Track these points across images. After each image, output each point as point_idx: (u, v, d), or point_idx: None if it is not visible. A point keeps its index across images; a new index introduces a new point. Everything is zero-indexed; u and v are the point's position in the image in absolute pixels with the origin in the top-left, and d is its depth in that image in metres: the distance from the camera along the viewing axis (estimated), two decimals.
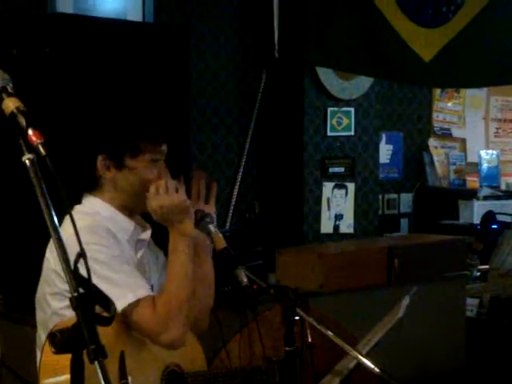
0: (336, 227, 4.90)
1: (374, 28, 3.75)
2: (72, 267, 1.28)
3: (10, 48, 3.30)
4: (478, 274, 4.68)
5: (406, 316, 2.33)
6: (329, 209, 4.88)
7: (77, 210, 2.15)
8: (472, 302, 4.31)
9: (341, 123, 4.90)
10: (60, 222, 1.35)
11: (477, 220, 5.41)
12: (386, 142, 5.57)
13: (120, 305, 1.94)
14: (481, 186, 5.87)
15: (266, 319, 2.55)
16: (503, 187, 6.06)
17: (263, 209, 4.79)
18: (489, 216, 5.26)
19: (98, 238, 2.03)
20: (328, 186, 4.88)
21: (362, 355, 1.98)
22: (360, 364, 2.01)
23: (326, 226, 4.86)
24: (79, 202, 2.19)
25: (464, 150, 6.13)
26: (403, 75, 3.99)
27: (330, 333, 1.99)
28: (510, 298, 4.26)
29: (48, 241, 2.10)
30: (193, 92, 4.23)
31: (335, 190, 4.91)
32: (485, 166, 6.03)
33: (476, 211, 5.48)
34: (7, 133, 1.38)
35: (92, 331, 1.25)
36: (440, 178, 5.89)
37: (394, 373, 1.96)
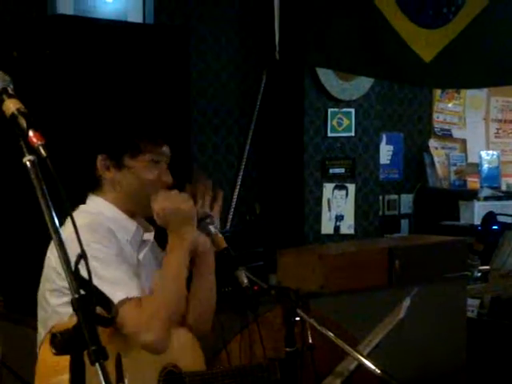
0: (336, 228, 4.90)
1: (374, 29, 3.75)
2: (73, 268, 1.28)
3: (11, 50, 3.30)
4: (479, 274, 4.68)
5: (406, 317, 2.33)
6: (329, 210, 4.88)
7: (80, 210, 2.16)
8: (473, 303, 4.31)
9: (341, 124, 4.90)
10: (61, 223, 1.35)
11: (477, 221, 5.40)
12: (387, 143, 5.57)
13: None
14: (481, 187, 5.87)
15: (267, 320, 2.55)
16: (504, 188, 6.06)
17: (264, 210, 4.79)
18: (489, 217, 5.26)
19: (98, 236, 2.03)
20: (328, 187, 4.88)
21: (362, 356, 1.98)
22: (361, 365, 2.01)
23: (327, 227, 4.86)
24: (83, 202, 2.20)
25: (464, 150, 6.13)
26: (404, 76, 3.99)
27: (330, 334, 1.99)
28: (510, 299, 4.26)
29: (49, 242, 2.10)
30: (193, 93, 4.23)
31: (336, 191, 4.91)
32: (485, 166, 6.03)
33: (476, 212, 5.48)
34: (8, 134, 1.38)
35: (93, 332, 1.25)
36: (440, 178, 5.89)
37: (394, 373, 1.96)
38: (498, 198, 5.69)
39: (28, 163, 1.34)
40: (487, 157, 6.07)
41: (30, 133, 1.35)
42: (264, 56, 4.62)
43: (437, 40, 3.72)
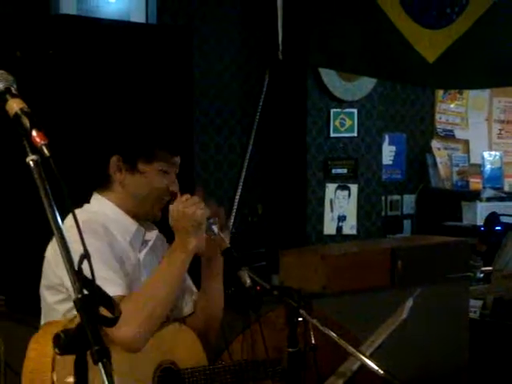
0: (339, 228, 4.90)
1: (377, 29, 3.75)
2: (76, 268, 1.28)
3: (14, 50, 3.31)
4: (482, 275, 4.67)
5: (409, 317, 2.32)
6: (332, 210, 4.87)
7: (83, 209, 2.16)
8: (475, 304, 4.31)
9: (344, 124, 4.90)
10: (63, 221, 1.35)
11: (480, 221, 5.40)
12: (389, 144, 5.57)
13: None
14: (484, 188, 5.86)
15: (269, 320, 2.55)
16: (506, 188, 6.05)
17: (266, 210, 4.79)
18: (492, 217, 5.25)
19: (87, 230, 2.02)
20: (331, 188, 4.88)
21: (365, 357, 1.98)
22: (364, 366, 2.00)
23: (329, 228, 4.86)
24: (88, 201, 2.20)
25: (467, 151, 6.12)
26: (407, 76, 3.98)
27: (333, 334, 1.99)
28: None
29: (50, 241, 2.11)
30: (196, 93, 4.24)
31: (338, 192, 4.90)
32: (488, 167, 6.02)
33: (479, 213, 5.48)
34: (10, 133, 1.38)
35: (96, 332, 1.24)
36: (443, 179, 5.89)
37: (397, 374, 1.95)
38: (501, 199, 5.68)
39: (31, 163, 1.34)
40: (490, 157, 6.07)
41: (34, 132, 1.35)
42: (266, 56, 4.61)
43: (440, 40, 3.71)
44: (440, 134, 5.99)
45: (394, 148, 5.62)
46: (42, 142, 1.35)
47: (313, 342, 2.09)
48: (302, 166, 4.79)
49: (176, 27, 4.20)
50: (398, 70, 3.87)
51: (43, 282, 2.13)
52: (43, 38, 3.28)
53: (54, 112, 3.19)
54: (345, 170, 4.91)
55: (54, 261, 2.06)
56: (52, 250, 2.10)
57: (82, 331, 1.24)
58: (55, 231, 1.31)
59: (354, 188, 4.95)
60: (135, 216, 2.18)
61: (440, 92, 5.94)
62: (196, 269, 2.23)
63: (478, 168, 6.01)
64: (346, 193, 4.92)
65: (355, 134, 4.94)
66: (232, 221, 4.47)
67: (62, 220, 1.33)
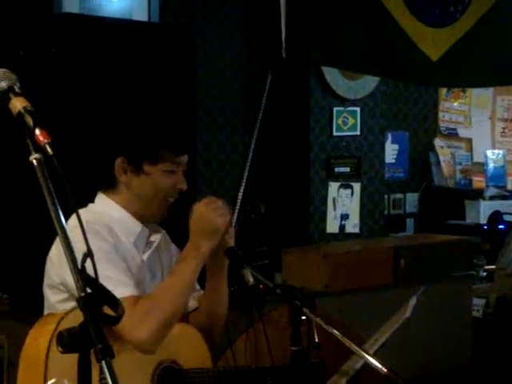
0: (342, 227, 4.90)
1: (381, 27, 3.74)
2: (79, 267, 1.28)
3: (17, 49, 3.31)
4: (485, 274, 4.67)
5: (412, 316, 2.32)
6: (334, 209, 4.87)
7: (87, 209, 2.16)
8: (478, 302, 4.30)
9: (346, 123, 4.90)
10: (67, 221, 1.35)
11: (483, 220, 5.40)
12: (392, 142, 5.57)
13: None
14: (487, 186, 5.86)
15: (272, 319, 2.55)
16: (509, 187, 6.05)
17: (269, 209, 4.79)
18: (496, 216, 5.25)
19: (91, 231, 2.02)
20: (334, 186, 4.87)
21: (369, 355, 1.97)
22: (367, 364, 2.00)
23: (332, 226, 4.86)
24: (92, 200, 2.20)
25: (470, 149, 6.12)
26: (410, 75, 3.98)
27: (337, 333, 1.98)
28: None
29: (54, 241, 2.11)
30: (199, 92, 4.24)
31: (341, 190, 4.90)
32: (491, 165, 6.02)
33: (482, 211, 5.47)
34: (13, 132, 1.39)
35: (99, 331, 1.25)
36: (446, 177, 5.88)
37: (400, 372, 1.95)
38: (504, 197, 5.68)
39: (34, 161, 1.34)
40: (493, 156, 6.06)
41: (37, 131, 1.36)
42: (269, 55, 4.62)
43: (444, 39, 3.71)
44: (443, 133, 5.99)
45: (396, 146, 5.61)
46: (45, 141, 1.35)
47: (316, 340, 2.09)
48: (304, 165, 4.79)
49: (178, 26, 4.20)
50: (402, 68, 3.86)
51: (46, 281, 2.13)
52: (46, 36, 3.28)
53: (56, 111, 3.20)
54: (347, 169, 4.91)
55: (58, 261, 2.06)
56: (56, 250, 2.10)
57: (85, 329, 1.24)
58: (58, 230, 1.31)
59: (356, 186, 4.95)
60: (141, 217, 2.18)
61: (443, 90, 5.94)
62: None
63: (481, 166, 6.01)
64: (348, 191, 4.92)
65: (358, 133, 4.93)
66: (235, 219, 4.47)
67: (66, 219, 1.33)
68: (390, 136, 5.51)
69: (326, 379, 2.21)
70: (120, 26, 3.55)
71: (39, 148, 1.35)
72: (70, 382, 1.82)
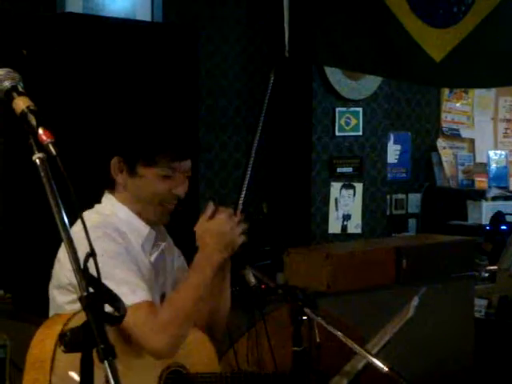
0: (344, 227, 4.90)
1: (384, 28, 3.74)
2: (82, 266, 1.28)
3: (20, 48, 3.31)
4: (487, 274, 4.67)
5: (414, 316, 2.32)
6: (337, 209, 4.87)
7: (94, 210, 2.15)
8: (480, 303, 4.30)
9: (349, 123, 4.90)
10: (70, 220, 1.35)
11: (485, 221, 5.39)
12: (394, 142, 5.56)
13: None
14: (489, 187, 5.86)
15: (274, 319, 2.55)
16: None
17: (271, 209, 4.79)
18: (498, 216, 5.25)
19: (102, 235, 2.02)
20: (336, 186, 4.87)
21: (371, 355, 1.97)
22: (369, 365, 2.00)
23: (334, 226, 4.86)
24: (99, 200, 2.19)
25: (472, 150, 6.11)
26: (413, 75, 3.97)
27: (338, 333, 1.98)
28: None
29: (57, 240, 2.10)
30: (201, 91, 4.24)
31: (343, 190, 4.90)
32: (493, 166, 6.01)
33: (484, 212, 5.47)
34: (19, 132, 1.39)
35: (101, 330, 1.25)
36: (448, 178, 5.88)
37: (402, 373, 1.95)
38: (506, 198, 5.67)
39: (37, 161, 1.34)
40: (495, 156, 6.06)
41: (40, 130, 1.35)
42: (272, 55, 4.62)
43: (447, 40, 3.70)
44: (445, 133, 5.98)
45: (399, 147, 5.61)
46: (49, 140, 1.34)
47: (318, 340, 2.09)
48: (307, 165, 4.79)
49: (182, 26, 4.20)
50: (405, 69, 3.86)
51: (53, 281, 2.12)
52: (49, 36, 3.29)
53: (60, 110, 3.20)
54: (350, 169, 4.91)
55: (67, 262, 2.05)
56: (64, 250, 2.09)
57: (88, 329, 1.25)
58: (61, 229, 1.31)
59: (359, 187, 4.94)
60: (144, 218, 2.17)
61: (446, 91, 5.93)
62: None
63: (484, 167, 6.00)
64: (351, 191, 4.92)
65: (360, 133, 4.93)
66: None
67: (70, 219, 1.33)
68: (392, 136, 5.50)
69: (328, 379, 2.21)
70: (123, 26, 3.55)
71: (42, 147, 1.35)
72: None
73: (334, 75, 4.73)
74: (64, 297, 2.07)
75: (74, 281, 2.00)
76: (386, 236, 5.08)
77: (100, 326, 1.25)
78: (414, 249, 4.00)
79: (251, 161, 4.21)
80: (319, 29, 3.80)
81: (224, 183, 4.71)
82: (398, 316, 2.32)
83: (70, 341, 1.26)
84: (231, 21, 4.69)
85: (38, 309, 2.32)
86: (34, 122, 1.37)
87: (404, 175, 5.65)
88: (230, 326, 2.33)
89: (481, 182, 5.96)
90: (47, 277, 2.18)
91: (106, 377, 1.21)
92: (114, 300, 1.31)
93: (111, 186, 2.17)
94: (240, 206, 4.02)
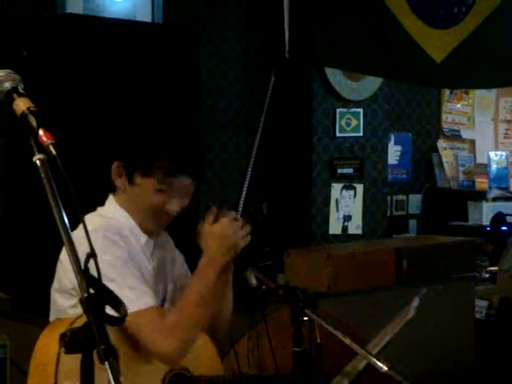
0: (344, 228, 4.89)
1: (384, 28, 3.74)
2: (82, 267, 1.28)
3: (21, 49, 3.31)
4: (488, 275, 4.67)
5: (415, 317, 2.32)
6: (337, 210, 4.87)
7: (97, 213, 2.14)
8: (481, 304, 4.30)
9: (349, 124, 4.90)
10: (71, 221, 1.35)
11: (486, 221, 5.39)
12: (395, 143, 5.57)
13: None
14: (490, 188, 5.86)
15: (275, 320, 2.55)
16: None
17: (272, 209, 4.79)
18: (498, 217, 5.25)
19: (106, 240, 2.01)
20: (336, 187, 4.87)
21: (371, 356, 1.97)
22: (369, 365, 2.00)
23: (335, 227, 4.86)
24: (102, 202, 2.17)
25: (473, 151, 6.11)
26: (414, 76, 3.98)
27: (339, 333, 1.98)
28: None
29: (57, 241, 2.10)
30: (202, 92, 4.23)
31: (344, 191, 4.90)
32: (494, 167, 6.01)
33: (485, 213, 5.47)
34: (19, 133, 1.39)
35: (102, 331, 1.24)
36: (449, 179, 5.88)
37: (402, 373, 1.95)
38: (507, 199, 5.68)
39: (38, 162, 1.34)
40: (496, 157, 6.05)
41: (40, 131, 1.35)
42: (272, 56, 4.62)
43: (448, 40, 3.71)
44: (446, 134, 5.98)
45: (399, 148, 5.61)
46: (49, 141, 1.35)
47: (318, 341, 2.09)
48: (307, 166, 4.79)
49: (182, 27, 4.20)
50: (405, 69, 3.86)
51: (56, 285, 2.11)
52: (49, 37, 3.29)
53: (60, 111, 3.20)
54: (350, 170, 4.91)
55: (69, 264, 2.04)
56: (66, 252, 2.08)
57: (89, 330, 1.24)
58: (61, 230, 1.31)
59: (359, 188, 4.94)
60: (141, 227, 2.14)
61: (446, 92, 5.93)
62: None
63: (484, 168, 6.00)
64: (351, 192, 4.92)
65: (361, 134, 4.93)
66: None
67: (69, 219, 1.33)
68: (393, 137, 5.50)
69: (329, 380, 2.21)
70: (123, 27, 3.55)
71: (43, 148, 1.35)
72: None
73: (335, 76, 4.73)
74: (66, 301, 2.06)
75: (77, 286, 2.00)
76: (387, 237, 5.08)
77: (101, 326, 1.25)
78: (415, 250, 4.00)
79: (251, 161, 4.21)
80: (319, 30, 3.81)
81: (224, 184, 4.71)
82: (399, 317, 2.32)
83: (70, 341, 1.26)
84: (231, 22, 4.69)
85: (37, 310, 2.31)
86: (34, 123, 1.37)
87: (404, 176, 5.65)
88: (230, 327, 2.33)
89: (481, 182, 5.96)
90: (46, 278, 2.18)
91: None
92: (115, 301, 1.31)
93: (113, 189, 2.16)
94: (240, 207, 4.02)
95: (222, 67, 4.67)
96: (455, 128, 6.04)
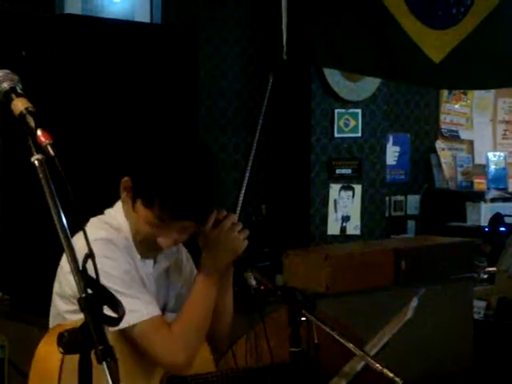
0: (343, 229, 4.90)
1: (383, 29, 3.75)
2: (80, 267, 1.28)
3: (19, 49, 3.31)
4: (486, 276, 4.67)
5: (413, 318, 2.32)
6: (336, 210, 4.87)
7: (104, 220, 2.10)
8: (479, 305, 4.30)
9: (348, 125, 4.90)
10: (71, 222, 1.34)
11: (484, 222, 5.40)
12: (393, 144, 5.57)
13: (132, 319, 1.92)
14: (488, 188, 5.86)
15: (273, 320, 2.55)
16: (511, 189, 6.04)
17: (270, 210, 4.79)
18: (497, 218, 5.25)
19: (109, 251, 2.00)
20: (335, 188, 4.87)
21: (369, 357, 1.97)
22: (367, 366, 2.00)
23: (333, 228, 4.86)
24: (111, 204, 2.15)
25: (471, 151, 6.12)
26: (413, 77, 3.98)
27: (336, 334, 1.98)
28: None
29: (56, 242, 2.09)
30: (200, 93, 4.24)
31: (342, 192, 4.90)
32: (492, 167, 6.02)
33: (483, 213, 5.48)
34: (17, 133, 1.39)
35: (100, 332, 1.24)
36: (447, 179, 5.88)
37: (401, 374, 1.95)
38: (505, 200, 5.68)
39: (36, 162, 1.34)
40: (494, 158, 6.06)
41: (39, 132, 1.35)
42: (271, 57, 4.62)
43: (446, 41, 3.71)
44: (444, 135, 5.98)
45: (398, 148, 5.61)
46: (47, 142, 1.34)
47: (316, 341, 2.09)
48: (306, 167, 4.79)
49: (181, 27, 4.20)
50: (404, 70, 3.86)
51: (56, 289, 2.09)
52: (48, 37, 3.28)
53: (58, 112, 3.20)
54: (349, 171, 4.91)
55: (68, 266, 2.03)
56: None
57: (86, 330, 1.24)
58: (59, 231, 1.31)
59: (357, 188, 4.95)
60: (137, 247, 2.10)
61: (445, 92, 5.94)
62: None
63: (483, 169, 6.01)
64: (349, 193, 4.92)
65: (359, 135, 4.93)
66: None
67: (67, 220, 1.33)
68: (391, 138, 5.51)
69: (326, 381, 2.21)
70: (122, 27, 3.55)
71: (41, 149, 1.35)
72: None
73: (333, 77, 4.73)
74: (65, 305, 2.05)
75: (78, 294, 1.99)
76: (385, 237, 5.08)
77: (98, 327, 1.25)
78: (413, 250, 4.00)
79: (250, 162, 4.21)
80: (318, 30, 3.81)
81: (223, 184, 4.71)
82: (397, 317, 2.32)
83: (67, 342, 1.26)
84: (230, 22, 4.69)
85: (36, 310, 2.31)
86: (32, 123, 1.37)
87: (403, 177, 5.65)
88: (231, 327, 2.33)
89: (480, 183, 5.96)
90: (46, 278, 2.18)
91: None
92: (113, 302, 1.31)
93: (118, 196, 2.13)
94: (239, 207, 4.02)
95: (220, 68, 4.67)
96: (453, 129, 6.04)
